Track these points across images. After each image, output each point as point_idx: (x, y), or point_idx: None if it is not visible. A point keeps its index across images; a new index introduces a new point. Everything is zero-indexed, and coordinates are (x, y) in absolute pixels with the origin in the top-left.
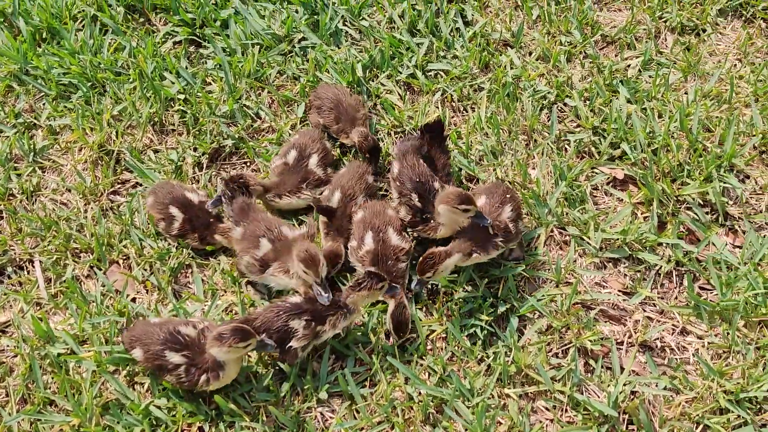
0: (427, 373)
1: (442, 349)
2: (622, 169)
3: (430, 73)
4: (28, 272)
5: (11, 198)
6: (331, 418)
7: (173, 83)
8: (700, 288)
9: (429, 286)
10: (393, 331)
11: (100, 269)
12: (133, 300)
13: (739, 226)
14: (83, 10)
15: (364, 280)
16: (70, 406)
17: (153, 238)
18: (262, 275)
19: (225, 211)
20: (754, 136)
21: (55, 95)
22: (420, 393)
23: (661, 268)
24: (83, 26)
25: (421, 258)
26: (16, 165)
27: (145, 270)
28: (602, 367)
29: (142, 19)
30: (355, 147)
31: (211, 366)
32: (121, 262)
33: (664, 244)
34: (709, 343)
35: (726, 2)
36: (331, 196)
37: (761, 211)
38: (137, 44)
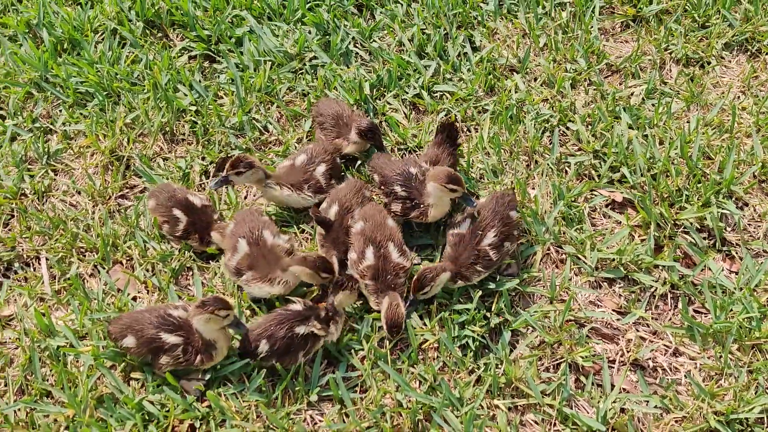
0: (417, 381)
1: (433, 358)
2: (621, 193)
3: (435, 94)
4: (35, 269)
5: (23, 197)
6: (320, 421)
7: (186, 95)
8: (695, 311)
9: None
10: (386, 329)
11: (104, 268)
12: (134, 299)
13: (736, 252)
14: (104, 24)
15: (344, 280)
16: (66, 397)
17: (157, 240)
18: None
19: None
20: (754, 165)
21: (72, 102)
22: (410, 400)
23: (656, 289)
24: (103, 38)
25: (415, 277)
26: (30, 167)
27: (147, 271)
28: (593, 384)
29: (160, 35)
30: (357, 144)
31: (202, 347)
32: (124, 262)
33: (660, 267)
34: (701, 364)
35: (732, 36)
36: (328, 208)
37: (759, 238)
38: (154, 57)
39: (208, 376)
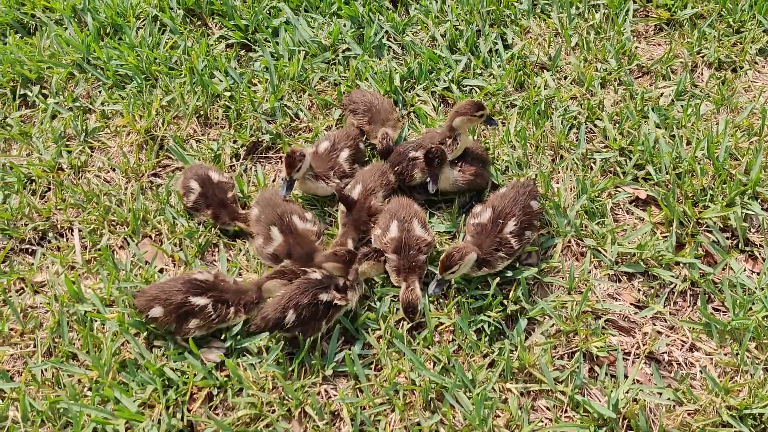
0: (432, 362)
1: (449, 341)
2: (645, 190)
3: (465, 88)
4: (67, 239)
5: (60, 172)
6: (334, 395)
7: (221, 81)
8: (714, 309)
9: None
10: (404, 311)
11: (134, 241)
12: (161, 271)
13: (759, 253)
14: (146, 10)
15: (369, 252)
16: (90, 360)
17: (185, 217)
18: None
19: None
20: None
21: (111, 84)
22: (423, 379)
23: (675, 286)
24: (144, 24)
25: (442, 257)
26: (68, 143)
27: (175, 245)
28: (606, 374)
29: (199, 23)
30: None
31: (247, 303)
32: (153, 236)
33: (681, 264)
34: (717, 360)
35: (766, 42)
36: (352, 188)
37: None
38: (192, 44)
39: (227, 344)
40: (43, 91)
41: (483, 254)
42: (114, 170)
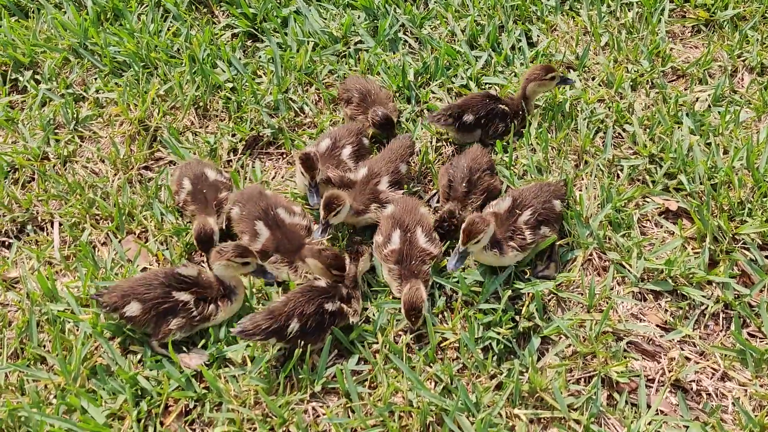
0: (432, 382)
1: (453, 358)
2: (677, 201)
3: (484, 86)
4: (48, 233)
5: (45, 161)
6: (323, 414)
7: (224, 71)
8: (749, 334)
9: (448, 293)
10: (405, 313)
11: (117, 237)
12: (144, 270)
13: None
14: None
15: (357, 249)
16: (58, 364)
17: (174, 214)
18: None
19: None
20: None
21: (108, 71)
22: (422, 400)
23: (707, 307)
24: (146, 10)
25: (464, 225)
26: (56, 131)
27: (161, 243)
28: (627, 402)
29: (205, 9)
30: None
31: (220, 293)
32: (138, 232)
33: (714, 283)
34: (752, 392)
35: None
36: (357, 172)
37: None
38: (196, 32)
39: (208, 352)
40: (36, 76)
41: (495, 238)
42: (103, 161)
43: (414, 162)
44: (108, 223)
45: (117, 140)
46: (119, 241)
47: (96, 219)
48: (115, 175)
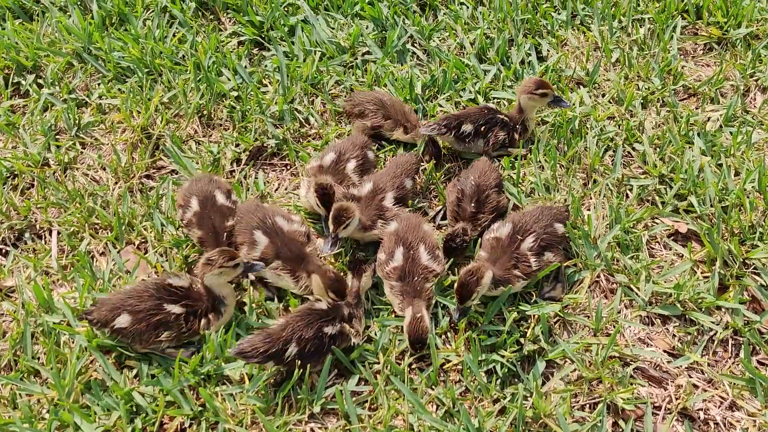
0: (434, 405)
1: (455, 381)
2: (686, 223)
3: (492, 101)
4: (46, 241)
5: (45, 167)
6: None
7: (229, 79)
8: (759, 362)
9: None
10: (409, 344)
11: (116, 247)
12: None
13: None
14: (156, 0)
15: (359, 265)
16: (52, 377)
17: (175, 224)
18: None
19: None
20: None
21: (111, 77)
22: (422, 424)
23: (715, 333)
24: (152, 16)
25: (456, 285)
26: (57, 137)
27: (161, 255)
28: (632, 430)
29: (211, 16)
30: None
31: (210, 306)
32: (137, 243)
33: (723, 309)
34: (761, 423)
35: None
36: (362, 187)
37: None
38: (202, 39)
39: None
40: (39, 80)
41: (499, 272)
42: (104, 169)
43: (420, 176)
44: (107, 233)
45: (119, 148)
46: (118, 252)
47: (95, 228)
48: (116, 183)
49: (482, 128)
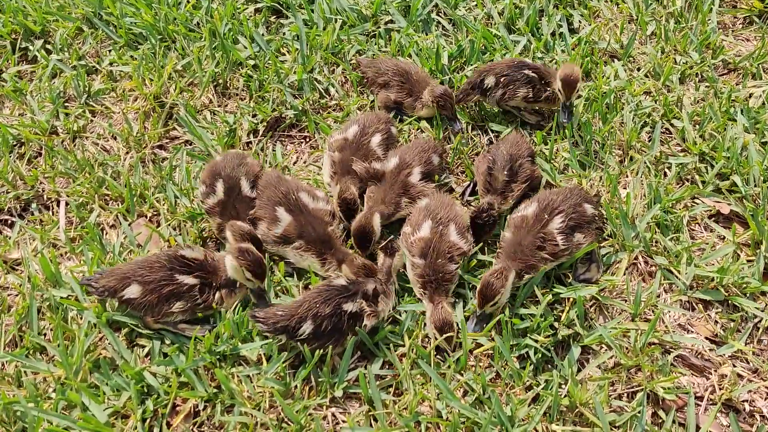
0: (463, 391)
1: (486, 366)
2: (729, 204)
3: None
4: (53, 212)
5: (53, 135)
6: (343, 421)
7: (245, 47)
8: None
9: None
10: (439, 332)
11: (126, 220)
12: None
13: None
14: None
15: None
16: (59, 355)
17: (189, 196)
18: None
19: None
20: None
21: (123, 43)
22: (451, 411)
23: (761, 320)
24: None
25: (479, 288)
26: (66, 104)
27: (174, 229)
28: (674, 422)
29: None
30: (430, 109)
31: (224, 283)
32: (150, 215)
33: None
34: None
35: None
36: (387, 161)
37: None
38: (218, 5)
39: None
40: (47, 46)
41: (523, 258)
42: (115, 138)
43: (447, 153)
44: (118, 205)
45: (130, 116)
46: (129, 225)
47: (105, 199)
48: (127, 153)
49: (502, 79)
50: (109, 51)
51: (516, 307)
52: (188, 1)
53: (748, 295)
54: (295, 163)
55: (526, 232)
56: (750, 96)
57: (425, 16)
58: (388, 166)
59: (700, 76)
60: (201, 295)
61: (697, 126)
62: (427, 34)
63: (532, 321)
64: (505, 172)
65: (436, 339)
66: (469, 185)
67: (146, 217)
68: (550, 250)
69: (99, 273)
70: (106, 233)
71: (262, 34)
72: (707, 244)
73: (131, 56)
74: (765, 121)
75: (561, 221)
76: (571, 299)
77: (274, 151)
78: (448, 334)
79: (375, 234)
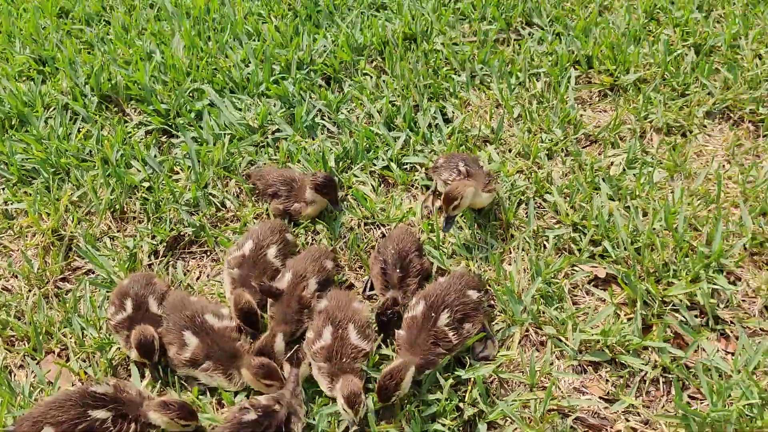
0: None
1: None
2: (604, 268)
3: (405, 166)
4: None
5: None
6: None
7: (139, 171)
8: (690, 397)
9: None
10: (347, 406)
11: (34, 359)
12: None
13: (731, 331)
14: (56, 98)
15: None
16: None
17: (95, 327)
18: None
19: None
20: (744, 236)
21: (15, 180)
22: None
23: (646, 374)
24: (54, 114)
25: (377, 387)
26: None
27: (83, 361)
28: None
29: (115, 109)
30: (315, 204)
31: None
32: (58, 351)
33: (650, 348)
34: None
35: (713, 105)
36: (281, 278)
37: (754, 315)
38: (108, 132)
39: None
40: None
41: (421, 354)
42: (16, 277)
43: (342, 251)
44: (24, 344)
45: (29, 253)
46: (37, 363)
47: (11, 341)
48: (30, 291)
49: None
50: (2, 189)
51: (422, 394)
52: (78, 132)
53: (631, 351)
54: (198, 278)
55: (418, 331)
56: (611, 164)
57: (310, 122)
58: (282, 283)
59: (565, 151)
60: (114, 426)
61: (568, 198)
62: (313, 139)
63: (438, 405)
64: (398, 270)
65: (346, 412)
66: (368, 281)
67: (54, 353)
68: (444, 346)
69: (13, 425)
70: (15, 375)
71: (155, 156)
72: (590, 308)
73: (25, 192)
74: (626, 187)
75: (448, 317)
76: (473, 379)
77: (175, 268)
78: (357, 406)
79: (279, 353)
